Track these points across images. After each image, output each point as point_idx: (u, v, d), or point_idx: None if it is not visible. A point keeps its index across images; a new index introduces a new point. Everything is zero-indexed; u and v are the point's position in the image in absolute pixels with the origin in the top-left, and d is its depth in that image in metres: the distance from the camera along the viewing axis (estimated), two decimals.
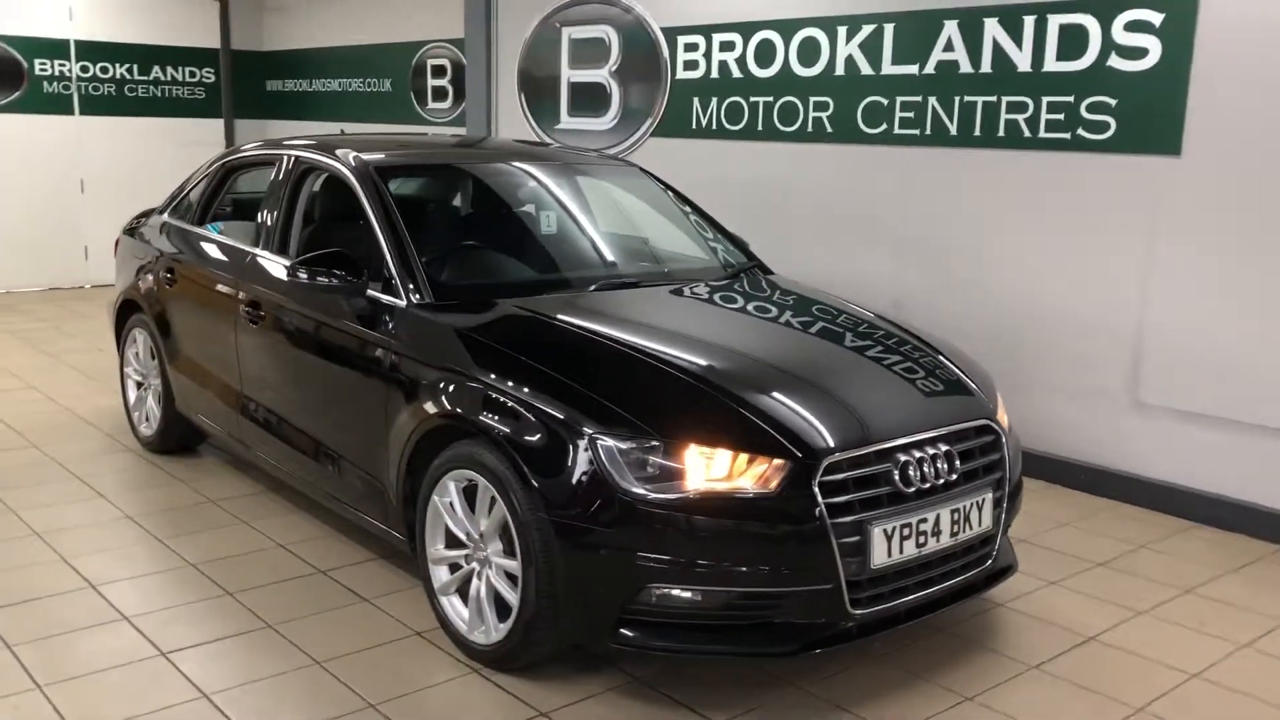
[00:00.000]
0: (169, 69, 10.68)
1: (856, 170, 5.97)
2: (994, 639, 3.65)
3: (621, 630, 3.09)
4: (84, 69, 10.18)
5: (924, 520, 3.18)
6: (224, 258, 4.74)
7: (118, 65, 10.36)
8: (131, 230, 5.76)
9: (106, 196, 10.32)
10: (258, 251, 4.51)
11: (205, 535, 4.41)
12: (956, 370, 3.75)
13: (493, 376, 3.34)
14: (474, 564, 3.42)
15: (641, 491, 3.00)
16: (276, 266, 4.38)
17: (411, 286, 3.77)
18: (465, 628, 3.44)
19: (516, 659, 3.30)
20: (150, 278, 5.28)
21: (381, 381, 3.73)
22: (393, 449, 3.67)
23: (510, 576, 3.28)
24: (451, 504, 3.46)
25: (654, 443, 3.04)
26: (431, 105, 9.20)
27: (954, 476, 3.30)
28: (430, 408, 3.50)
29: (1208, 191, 4.67)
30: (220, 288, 4.69)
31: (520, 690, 3.26)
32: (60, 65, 10.05)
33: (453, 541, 3.51)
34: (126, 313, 5.56)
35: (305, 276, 3.83)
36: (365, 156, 4.28)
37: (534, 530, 3.13)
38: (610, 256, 4.53)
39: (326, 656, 3.44)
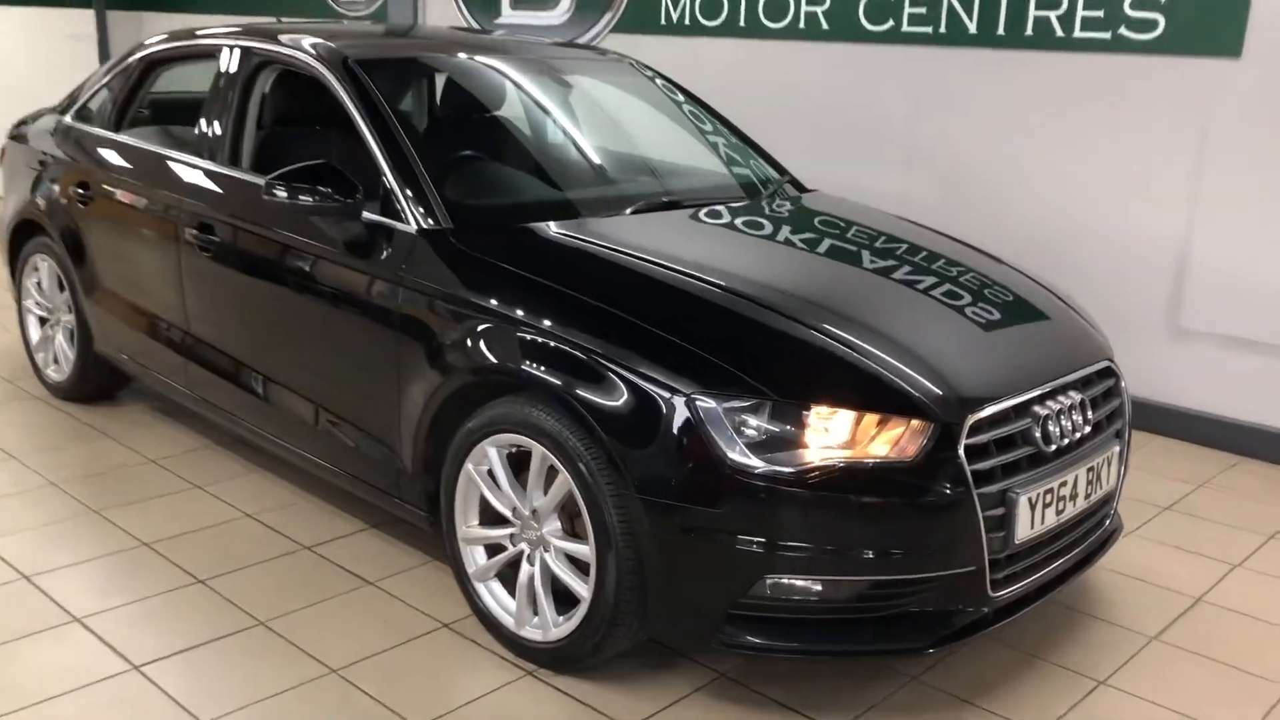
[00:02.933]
0: None
1: (858, 73, 5.40)
2: (1096, 605, 3.25)
3: (729, 628, 2.56)
4: None
5: (1064, 484, 2.73)
6: (159, 171, 3.93)
7: None
8: (21, 136, 4.85)
9: None
10: (207, 164, 3.74)
11: (153, 505, 3.70)
12: (1064, 304, 3.29)
13: (552, 322, 2.72)
14: (522, 545, 2.84)
15: (754, 462, 2.45)
16: (234, 182, 3.63)
17: (421, 208, 3.09)
18: (512, 621, 2.87)
19: (583, 660, 2.75)
20: (55, 194, 4.41)
21: (388, 324, 3.07)
22: (407, 406, 3.03)
23: (576, 562, 2.72)
24: (492, 473, 2.86)
25: (767, 403, 2.49)
26: None
27: (1088, 430, 2.85)
28: (462, 359, 2.87)
29: (1270, 98, 4.27)
30: (156, 207, 3.90)
31: (592, 697, 2.72)
32: None
33: (490, 516, 2.92)
34: (23, 235, 4.68)
35: (285, 195, 3.11)
36: (343, 47, 3.53)
37: (613, 510, 2.56)
38: (641, 171, 3.90)
39: (344, 661, 2.83)
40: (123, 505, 3.68)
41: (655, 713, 2.67)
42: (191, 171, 3.78)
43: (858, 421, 2.51)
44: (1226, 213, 4.43)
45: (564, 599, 2.78)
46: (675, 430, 2.50)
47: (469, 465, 2.88)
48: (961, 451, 2.51)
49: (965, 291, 3.12)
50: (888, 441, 2.51)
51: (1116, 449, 2.97)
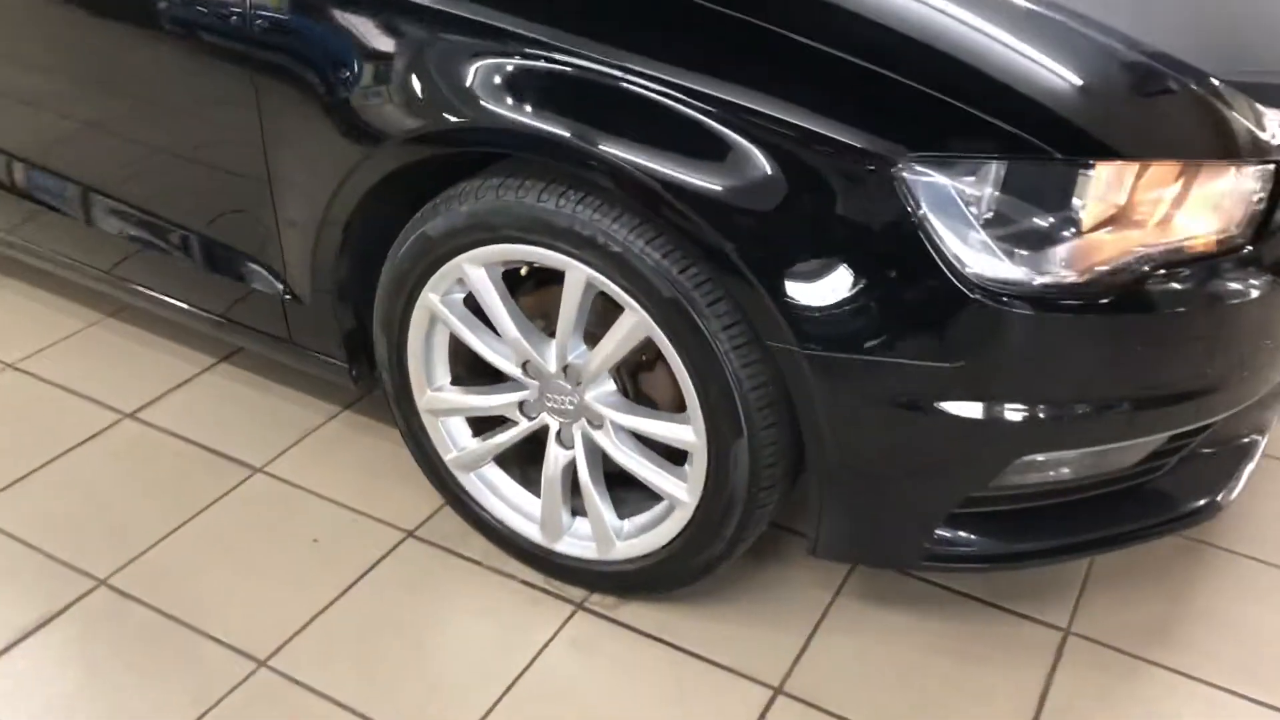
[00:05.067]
0: None
1: None
2: None
3: (945, 535, 1.57)
4: None
5: None
6: None
7: None
8: None
9: None
10: None
11: None
12: None
13: (584, 29, 1.45)
14: (544, 418, 1.71)
15: (1013, 272, 1.37)
16: None
17: None
18: (536, 530, 1.78)
19: (680, 584, 1.73)
20: None
21: (232, 53, 1.70)
22: (291, 199, 1.76)
23: (646, 442, 1.64)
24: (473, 303, 1.66)
25: (1030, 167, 1.38)
26: None
27: None
28: (394, 114, 1.57)
29: None
30: None
31: (696, 641, 1.71)
32: None
33: (470, 365, 1.76)
34: None
35: None
36: None
37: (742, 373, 1.46)
38: None
39: (275, 640, 1.69)
40: None
41: (800, 653, 1.71)
42: None
43: (1159, 180, 1.44)
44: None
45: (617, 479, 1.72)
46: (868, 226, 1.38)
47: (429, 295, 1.67)
48: None
49: None
50: (1206, 206, 1.47)
51: None
